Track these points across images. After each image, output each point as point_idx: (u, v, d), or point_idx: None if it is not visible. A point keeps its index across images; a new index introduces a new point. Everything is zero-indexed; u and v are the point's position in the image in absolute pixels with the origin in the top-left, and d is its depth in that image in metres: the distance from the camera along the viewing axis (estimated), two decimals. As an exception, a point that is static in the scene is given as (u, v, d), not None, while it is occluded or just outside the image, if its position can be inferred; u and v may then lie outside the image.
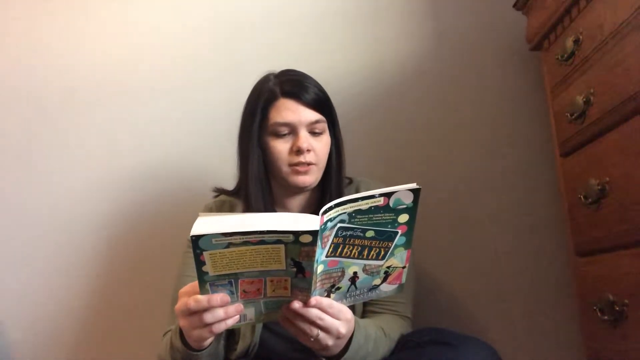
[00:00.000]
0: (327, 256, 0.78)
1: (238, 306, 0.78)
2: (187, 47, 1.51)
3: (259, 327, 1.03)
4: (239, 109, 1.10)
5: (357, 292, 0.85)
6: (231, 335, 1.04)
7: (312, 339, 0.81)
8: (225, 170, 1.18)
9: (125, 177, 1.47)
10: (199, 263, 0.72)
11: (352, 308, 0.91)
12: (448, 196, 1.40)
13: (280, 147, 1.03)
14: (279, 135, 1.04)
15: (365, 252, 0.81)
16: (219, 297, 0.75)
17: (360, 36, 1.48)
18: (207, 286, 0.75)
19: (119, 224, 1.45)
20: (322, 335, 0.81)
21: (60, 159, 1.48)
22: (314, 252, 0.72)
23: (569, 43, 1.09)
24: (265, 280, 0.77)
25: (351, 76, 1.45)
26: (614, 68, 0.94)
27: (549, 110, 1.23)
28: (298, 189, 1.06)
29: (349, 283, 0.83)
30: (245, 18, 1.51)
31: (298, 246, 0.72)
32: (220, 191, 1.17)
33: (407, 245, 0.82)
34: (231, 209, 1.12)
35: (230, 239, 0.70)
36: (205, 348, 0.85)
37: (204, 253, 0.71)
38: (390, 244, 0.81)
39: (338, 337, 0.82)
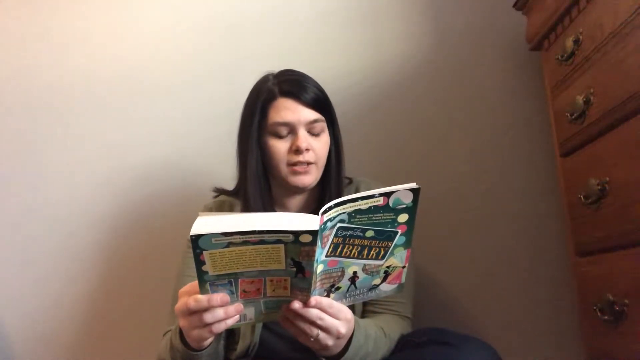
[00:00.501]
0: (326, 256, 0.78)
1: (238, 306, 0.78)
2: (187, 47, 1.51)
3: (259, 327, 1.03)
4: (238, 108, 1.10)
5: (357, 291, 0.85)
6: (231, 335, 1.04)
7: (312, 339, 0.81)
8: (225, 170, 1.18)
9: (125, 177, 1.47)
10: (199, 263, 0.72)
11: (352, 308, 0.91)
12: (448, 196, 1.40)
13: (280, 146, 1.03)
14: (278, 135, 1.04)
15: (365, 252, 0.81)
16: (219, 297, 0.75)
17: (360, 36, 1.48)
18: (207, 286, 0.75)
19: (119, 223, 1.46)
20: (322, 335, 0.81)
21: (60, 159, 1.48)
22: (314, 251, 0.72)
23: (569, 43, 1.09)
24: (265, 280, 0.77)
25: (350, 76, 1.45)
26: (614, 68, 0.94)
27: (549, 110, 1.23)
28: (297, 189, 1.06)
29: (349, 283, 0.83)
30: (245, 18, 1.51)
31: (298, 246, 0.72)
32: (220, 191, 1.17)
33: (406, 244, 0.82)
34: (231, 209, 1.12)
35: (230, 238, 0.70)
36: (205, 348, 0.85)
37: (204, 253, 0.71)
38: (389, 244, 0.81)
39: (338, 337, 0.82)
